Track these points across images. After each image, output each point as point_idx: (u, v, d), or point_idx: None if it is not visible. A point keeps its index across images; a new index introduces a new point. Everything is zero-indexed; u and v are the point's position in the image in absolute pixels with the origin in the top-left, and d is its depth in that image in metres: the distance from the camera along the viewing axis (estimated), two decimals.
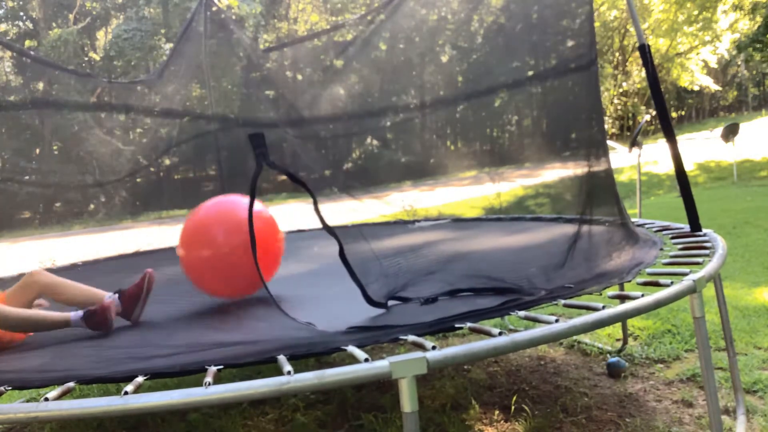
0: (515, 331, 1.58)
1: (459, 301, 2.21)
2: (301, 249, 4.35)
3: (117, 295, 2.47)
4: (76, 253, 6.61)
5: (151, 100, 5.62)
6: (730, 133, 12.88)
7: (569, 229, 3.19)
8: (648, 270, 2.19)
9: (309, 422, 2.68)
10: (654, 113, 13.79)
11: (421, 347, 1.50)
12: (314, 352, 1.69)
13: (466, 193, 12.34)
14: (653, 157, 15.77)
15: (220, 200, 2.93)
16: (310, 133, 5.22)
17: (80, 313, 2.29)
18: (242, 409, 2.87)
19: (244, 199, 2.66)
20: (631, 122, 30.94)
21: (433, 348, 1.43)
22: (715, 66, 33.73)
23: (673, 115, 40.06)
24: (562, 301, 1.87)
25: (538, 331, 1.55)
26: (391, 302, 2.26)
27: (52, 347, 2.16)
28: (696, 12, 25.09)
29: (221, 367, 1.51)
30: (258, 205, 2.76)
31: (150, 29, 22.11)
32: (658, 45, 28.73)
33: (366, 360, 1.40)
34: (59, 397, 1.40)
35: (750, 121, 27.79)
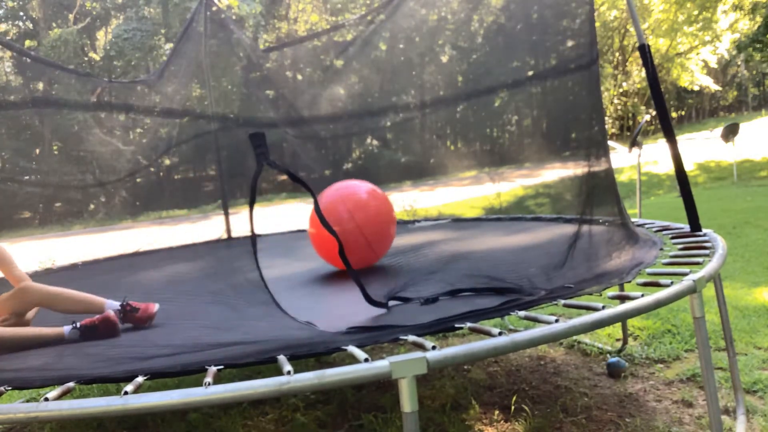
0: (515, 331, 1.58)
1: (459, 301, 2.21)
2: (301, 249, 4.34)
3: (120, 307, 2.42)
4: (76, 253, 6.61)
5: (151, 100, 5.62)
6: (730, 133, 12.87)
7: (569, 229, 3.19)
8: (648, 270, 2.19)
9: (309, 422, 2.68)
10: (654, 113, 13.79)
11: (421, 347, 1.50)
12: (315, 352, 1.69)
13: (466, 193, 12.34)
14: (653, 157, 15.77)
15: (343, 184, 3.29)
16: (310, 133, 5.22)
17: (69, 327, 2.25)
18: (242, 409, 2.87)
19: (363, 183, 3.21)
20: (631, 122, 30.93)
21: (433, 348, 1.43)
22: (715, 66, 33.72)
23: (673, 115, 40.06)
24: (562, 301, 1.87)
25: (538, 331, 1.55)
26: (391, 302, 2.26)
27: (52, 347, 2.16)
28: (696, 12, 25.07)
29: (221, 367, 1.51)
30: (370, 185, 3.21)
31: (150, 29, 22.11)
32: (658, 45, 28.71)
33: (366, 360, 1.40)
34: (59, 397, 1.40)
35: (750, 121, 27.78)
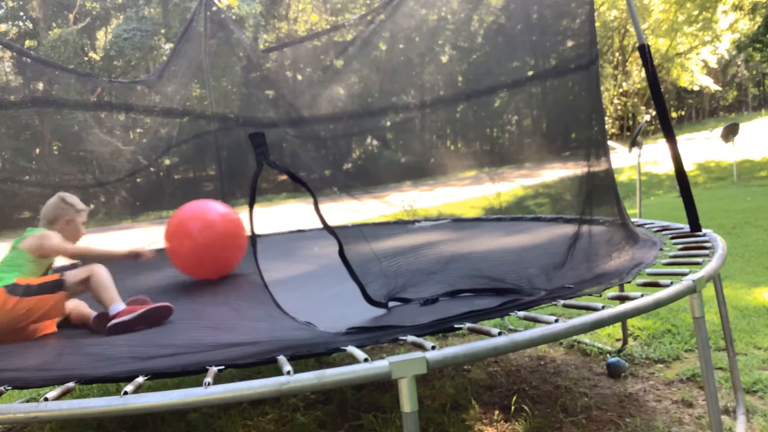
0: (515, 331, 1.58)
1: (458, 301, 2.21)
2: (301, 249, 4.34)
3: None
4: None
5: (151, 100, 5.62)
6: (730, 133, 12.89)
7: (569, 229, 3.19)
8: (648, 270, 2.19)
9: (309, 422, 2.68)
10: (654, 113, 13.79)
11: (420, 347, 1.50)
12: (315, 353, 1.69)
13: (466, 193, 12.34)
14: (653, 157, 15.78)
15: (196, 203, 3.47)
16: (310, 133, 5.22)
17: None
18: (242, 409, 2.87)
19: (215, 204, 3.38)
20: (631, 122, 30.94)
21: (433, 348, 1.43)
22: (715, 66, 33.74)
23: (673, 115, 40.07)
24: (562, 302, 1.87)
25: (538, 331, 1.55)
26: (391, 303, 2.26)
27: (52, 346, 2.16)
28: (696, 12, 25.08)
29: (222, 367, 1.51)
30: (224, 207, 3.35)
31: (150, 29, 22.11)
32: (658, 45, 28.72)
33: (366, 360, 1.40)
34: (59, 397, 1.40)
35: (750, 121, 27.79)
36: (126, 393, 1.34)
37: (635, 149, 5.24)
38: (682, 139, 23.49)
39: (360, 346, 1.55)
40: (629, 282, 2.11)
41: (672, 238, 2.83)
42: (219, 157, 5.69)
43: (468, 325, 1.69)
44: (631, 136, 5.35)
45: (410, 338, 1.61)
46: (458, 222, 4.99)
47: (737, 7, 18.73)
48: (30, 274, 2.45)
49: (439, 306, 2.17)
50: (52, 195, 2.82)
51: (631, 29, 28.07)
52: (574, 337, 3.56)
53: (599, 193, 2.79)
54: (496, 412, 2.66)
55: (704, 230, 2.76)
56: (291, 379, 1.33)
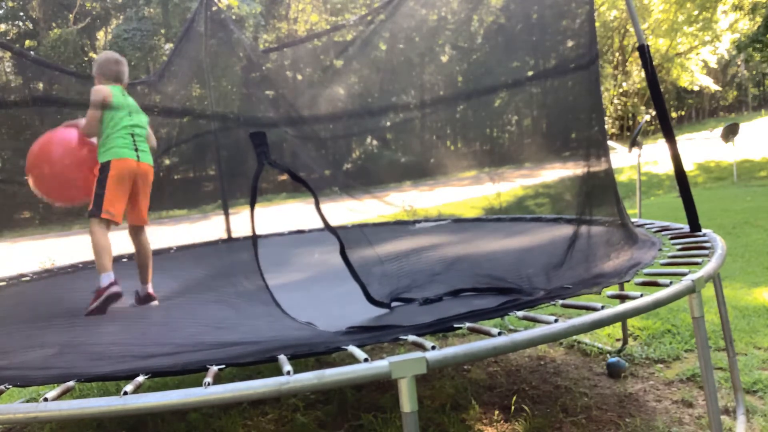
0: (515, 331, 1.58)
1: (458, 301, 2.21)
2: (301, 250, 4.35)
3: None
4: (76, 253, 6.60)
5: (151, 100, 5.61)
6: (730, 133, 12.89)
7: (569, 229, 3.19)
8: (647, 270, 2.19)
9: (309, 422, 2.68)
10: (654, 113, 13.79)
11: (420, 347, 1.50)
12: (315, 352, 1.69)
13: (466, 193, 12.35)
14: (653, 157, 15.79)
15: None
16: (310, 133, 5.21)
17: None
18: (242, 409, 2.87)
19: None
20: (631, 122, 30.95)
21: (433, 348, 1.43)
22: (715, 66, 33.76)
23: (673, 115, 40.09)
24: (560, 302, 1.87)
25: (538, 331, 1.55)
26: (393, 304, 2.26)
27: (53, 344, 2.16)
28: (696, 12, 25.10)
29: (222, 366, 1.51)
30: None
31: (150, 29, 22.12)
32: (658, 45, 28.75)
33: (366, 360, 1.40)
34: (59, 397, 1.40)
35: (750, 121, 27.81)
36: (126, 393, 1.34)
37: (635, 149, 5.24)
38: (682, 139, 23.51)
39: (360, 346, 1.55)
40: (628, 282, 2.11)
41: (671, 238, 2.83)
42: (219, 157, 5.69)
43: (468, 324, 1.70)
44: (631, 136, 5.35)
45: (410, 338, 1.61)
46: (458, 222, 4.99)
47: (737, 7, 18.74)
48: None
49: (438, 306, 2.18)
50: None
51: (631, 29, 28.07)
52: (574, 337, 3.56)
53: (599, 193, 2.79)
54: (496, 412, 2.66)
55: (704, 230, 2.77)
56: (291, 379, 1.33)
